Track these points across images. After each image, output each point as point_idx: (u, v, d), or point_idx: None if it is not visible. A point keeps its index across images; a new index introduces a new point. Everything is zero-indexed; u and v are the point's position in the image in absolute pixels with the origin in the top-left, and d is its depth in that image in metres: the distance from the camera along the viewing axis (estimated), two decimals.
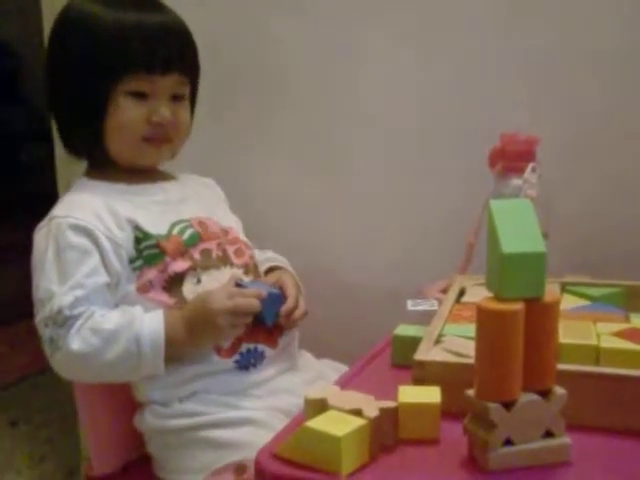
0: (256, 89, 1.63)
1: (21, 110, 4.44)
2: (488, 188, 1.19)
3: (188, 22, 1.25)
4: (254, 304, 1.13)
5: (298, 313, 1.22)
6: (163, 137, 1.22)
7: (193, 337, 1.12)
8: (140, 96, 1.19)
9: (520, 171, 1.17)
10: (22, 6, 3.26)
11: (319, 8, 1.55)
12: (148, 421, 1.16)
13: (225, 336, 1.14)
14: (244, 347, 1.18)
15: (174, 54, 1.20)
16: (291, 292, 1.22)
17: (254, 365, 1.18)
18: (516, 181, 1.17)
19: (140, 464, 1.26)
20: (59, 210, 1.18)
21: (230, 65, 1.62)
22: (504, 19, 1.44)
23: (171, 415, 1.14)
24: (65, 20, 1.23)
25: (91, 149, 1.24)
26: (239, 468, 1.10)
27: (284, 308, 1.19)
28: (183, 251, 1.18)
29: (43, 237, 1.16)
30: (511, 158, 1.19)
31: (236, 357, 1.17)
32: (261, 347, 1.19)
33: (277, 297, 1.19)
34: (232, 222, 1.32)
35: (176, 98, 1.22)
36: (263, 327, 1.18)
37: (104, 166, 1.24)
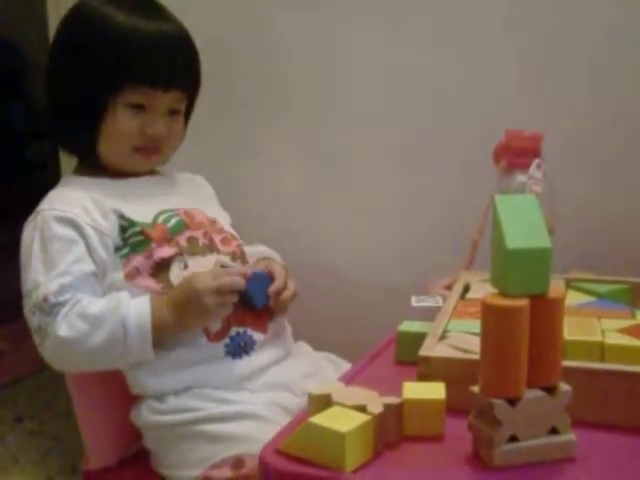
0: (256, 90, 1.63)
1: (26, 108, 4.44)
2: (493, 184, 1.19)
3: (190, 23, 1.25)
4: (239, 282, 1.13)
5: (287, 294, 1.21)
6: (154, 148, 1.24)
7: (181, 319, 1.12)
8: (138, 108, 1.19)
9: (525, 167, 1.16)
10: (27, 4, 3.27)
11: (320, 9, 1.55)
12: (144, 416, 1.16)
13: (212, 316, 1.14)
14: (233, 330, 1.17)
15: (178, 72, 1.21)
16: (279, 274, 1.22)
17: (246, 352, 1.18)
18: (521, 177, 1.16)
19: (136, 458, 1.26)
20: (44, 204, 1.19)
21: (230, 65, 1.62)
22: (510, 12, 1.43)
23: (167, 410, 1.14)
24: (76, 18, 1.22)
25: (83, 151, 1.25)
26: (237, 462, 1.09)
27: (272, 288, 1.19)
28: (169, 238, 1.19)
29: (29, 231, 1.17)
30: (516, 154, 1.18)
31: (226, 341, 1.17)
32: (250, 331, 1.19)
33: (263, 277, 1.19)
34: (219, 215, 1.33)
35: (172, 112, 1.23)
36: (253, 310, 1.18)
37: (91, 163, 1.25)
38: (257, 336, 1.19)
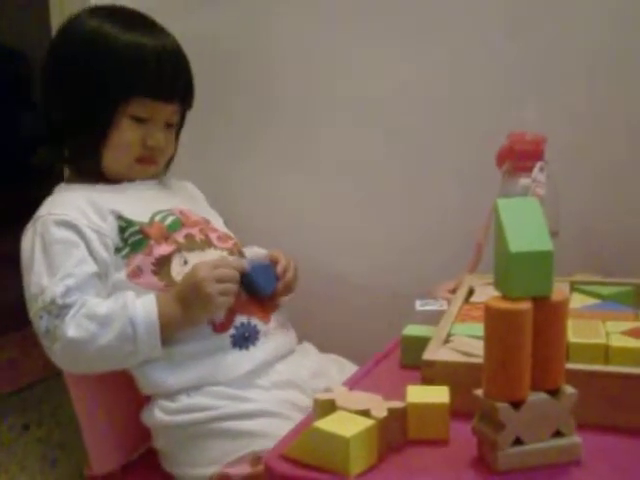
0: (250, 93, 1.63)
1: (32, 115, 4.46)
2: (496, 188, 1.19)
3: (182, 25, 1.27)
4: (239, 267, 1.18)
5: (291, 272, 1.26)
6: (151, 159, 1.28)
7: (186, 310, 1.14)
8: (140, 120, 1.24)
9: (528, 170, 1.16)
10: (32, 12, 3.28)
11: (317, 12, 1.55)
12: (157, 417, 1.16)
13: (215, 305, 1.16)
14: (238, 321, 1.20)
15: (180, 85, 1.27)
16: (279, 255, 1.27)
17: (252, 342, 1.19)
18: (524, 180, 1.16)
19: (140, 462, 1.27)
20: (42, 211, 1.21)
21: (224, 66, 1.62)
22: (511, 17, 1.43)
23: (180, 410, 1.15)
24: (76, 36, 1.25)
25: (84, 162, 1.28)
26: (255, 459, 1.10)
27: (279, 268, 1.24)
28: (167, 236, 1.22)
29: (29, 238, 1.19)
30: (519, 157, 1.18)
31: (231, 331, 1.19)
32: (254, 321, 1.21)
33: (266, 265, 1.24)
34: (212, 216, 1.36)
35: (168, 126, 1.28)
36: (261, 299, 1.22)
37: (85, 174, 1.28)
38: (260, 326, 1.21)
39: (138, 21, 1.26)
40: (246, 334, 1.20)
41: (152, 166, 1.30)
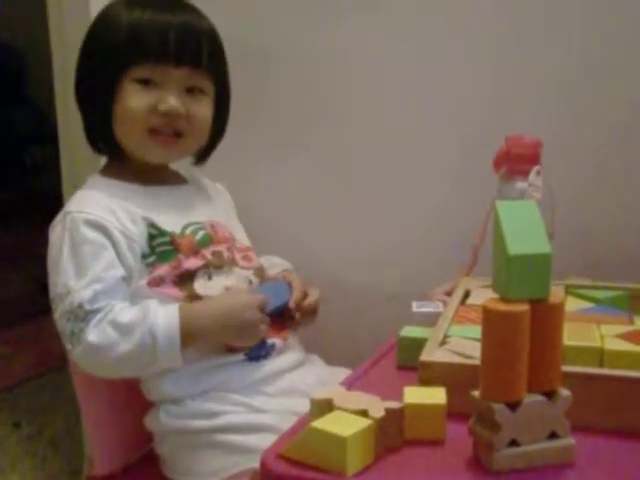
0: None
1: (26, 112, 4.45)
2: (492, 191, 1.20)
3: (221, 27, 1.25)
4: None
5: (310, 299, 1.26)
6: (171, 131, 1.20)
7: (219, 337, 1.15)
8: (148, 84, 1.17)
9: (525, 174, 1.17)
10: (27, 9, 3.27)
11: (325, 10, 1.55)
12: (162, 421, 1.15)
13: (249, 344, 1.18)
14: None
15: (187, 47, 1.18)
16: (297, 285, 1.26)
17: (264, 357, 1.19)
18: (521, 184, 1.17)
19: (141, 465, 1.26)
20: (73, 206, 1.18)
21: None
22: (509, 20, 1.44)
23: (185, 415, 1.14)
24: (97, 17, 1.24)
25: (103, 139, 1.24)
26: (255, 475, 1.08)
27: (293, 299, 1.24)
28: (196, 250, 1.20)
29: (58, 234, 1.16)
30: (516, 161, 1.19)
31: (246, 349, 1.18)
32: (271, 340, 1.20)
33: (282, 288, 1.24)
34: (239, 230, 1.34)
35: (192, 91, 1.20)
36: (279, 316, 1.22)
37: (119, 164, 1.25)
38: (278, 343, 1.21)
39: (162, 3, 1.21)
40: (262, 352, 1.19)
41: (174, 145, 1.21)
